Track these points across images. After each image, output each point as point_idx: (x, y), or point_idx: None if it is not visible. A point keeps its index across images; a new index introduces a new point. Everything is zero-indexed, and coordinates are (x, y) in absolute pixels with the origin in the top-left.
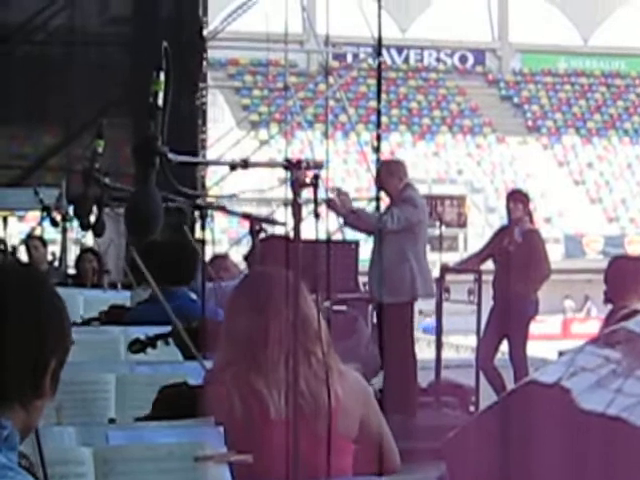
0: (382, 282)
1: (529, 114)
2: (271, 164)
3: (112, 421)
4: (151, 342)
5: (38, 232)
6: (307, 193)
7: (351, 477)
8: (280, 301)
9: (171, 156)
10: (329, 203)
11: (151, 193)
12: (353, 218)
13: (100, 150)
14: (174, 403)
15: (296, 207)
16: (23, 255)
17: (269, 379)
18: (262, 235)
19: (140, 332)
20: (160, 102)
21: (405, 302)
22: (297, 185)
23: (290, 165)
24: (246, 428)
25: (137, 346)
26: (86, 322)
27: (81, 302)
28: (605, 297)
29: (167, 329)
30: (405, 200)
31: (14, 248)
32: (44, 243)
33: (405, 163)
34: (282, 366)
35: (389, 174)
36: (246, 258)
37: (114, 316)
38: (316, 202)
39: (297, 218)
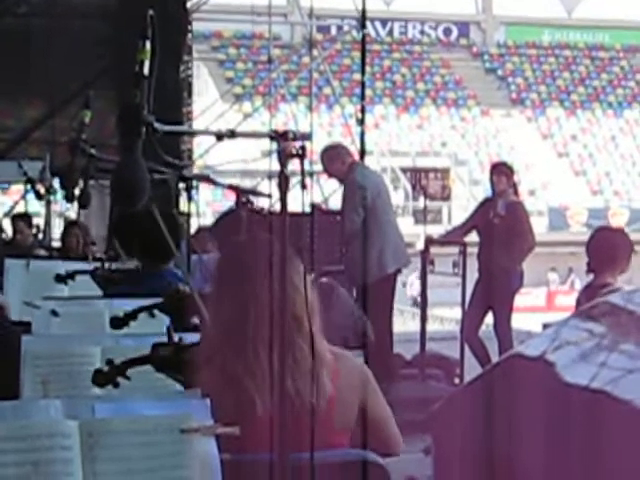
0: (354, 267)
1: (513, 87)
2: (258, 134)
3: (99, 371)
4: (131, 316)
5: (22, 205)
6: (291, 165)
7: (334, 450)
8: (269, 281)
9: (157, 125)
10: None
11: (137, 162)
12: None
13: (87, 121)
14: (167, 358)
15: (283, 178)
16: (7, 228)
17: (257, 372)
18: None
19: (125, 305)
20: (146, 71)
21: (377, 280)
22: (284, 156)
23: (277, 136)
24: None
25: (117, 322)
26: (72, 275)
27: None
28: (587, 268)
29: (152, 301)
30: (347, 187)
31: None
32: (30, 224)
33: (345, 145)
34: (268, 357)
35: (330, 161)
36: (210, 230)
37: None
38: (303, 173)
39: (284, 190)
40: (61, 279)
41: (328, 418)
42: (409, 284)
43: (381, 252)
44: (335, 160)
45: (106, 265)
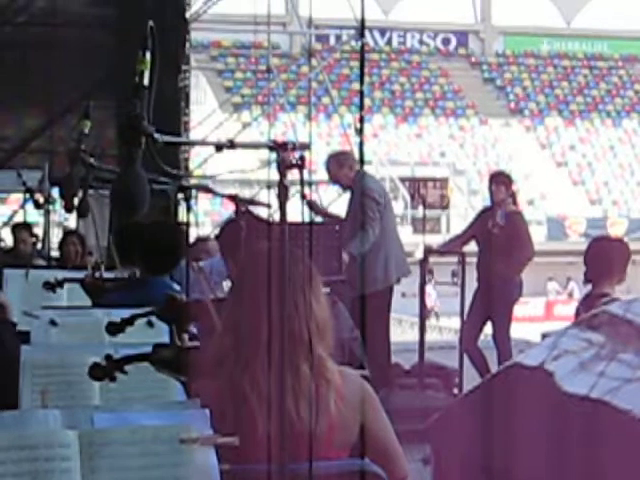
0: (357, 276)
1: (512, 96)
2: (257, 145)
3: (96, 364)
4: (128, 322)
5: (20, 215)
6: (290, 175)
7: (327, 461)
8: (287, 298)
9: (157, 136)
10: (309, 204)
11: (137, 173)
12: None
13: (86, 131)
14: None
15: (282, 189)
16: (7, 237)
17: (263, 388)
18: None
19: (124, 314)
20: (146, 81)
21: (381, 289)
22: (283, 166)
23: (276, 146)
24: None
25: (113, 328)
26: (60, 283)
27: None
28: (585, 278)
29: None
30: (359, 194)
31: None
32: (31, 233)
33: (352, 152)
34: (275, 375)
35: (339, 166)
36: (217, 237)
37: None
38: (302, 184)
39: (283, 200)
40: (50, 287)
41: (328, 439)
42: (426, 295)
43: (386, 261)
44: (343, 166)
45: (96, 274)
